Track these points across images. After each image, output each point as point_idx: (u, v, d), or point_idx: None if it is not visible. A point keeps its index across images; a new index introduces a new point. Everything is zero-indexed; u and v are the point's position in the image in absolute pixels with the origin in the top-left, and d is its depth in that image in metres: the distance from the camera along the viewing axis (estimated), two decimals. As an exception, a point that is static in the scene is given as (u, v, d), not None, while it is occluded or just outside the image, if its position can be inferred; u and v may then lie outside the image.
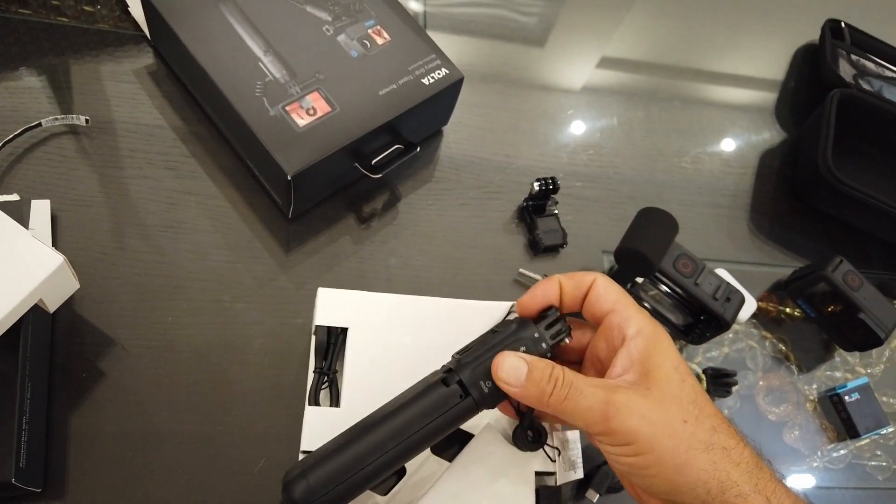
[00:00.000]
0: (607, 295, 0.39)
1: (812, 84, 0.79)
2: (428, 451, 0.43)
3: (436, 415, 0.37)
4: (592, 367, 0.41)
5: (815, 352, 0.64)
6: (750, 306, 0.56)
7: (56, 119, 0.52)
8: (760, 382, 0.60)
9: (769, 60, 0.80)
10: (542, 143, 0.65)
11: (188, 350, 0.48)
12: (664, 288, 0.56)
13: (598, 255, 0.61)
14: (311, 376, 0.47)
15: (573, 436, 0.46)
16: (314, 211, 0.55)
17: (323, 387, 0.46)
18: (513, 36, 0.71)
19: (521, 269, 0.57)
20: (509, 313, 0.49)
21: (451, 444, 0.43)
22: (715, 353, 0.60)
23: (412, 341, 0.47)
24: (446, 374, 0.39)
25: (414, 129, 0.56)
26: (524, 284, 0.57)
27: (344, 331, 0.47)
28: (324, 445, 0.38)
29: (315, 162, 0.48)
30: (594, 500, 0.48)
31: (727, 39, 0.80)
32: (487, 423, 0.44)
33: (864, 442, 0.60)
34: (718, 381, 0.56)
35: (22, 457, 0.40)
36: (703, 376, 0.57)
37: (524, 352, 0.38)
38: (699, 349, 0.60)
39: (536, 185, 0.58)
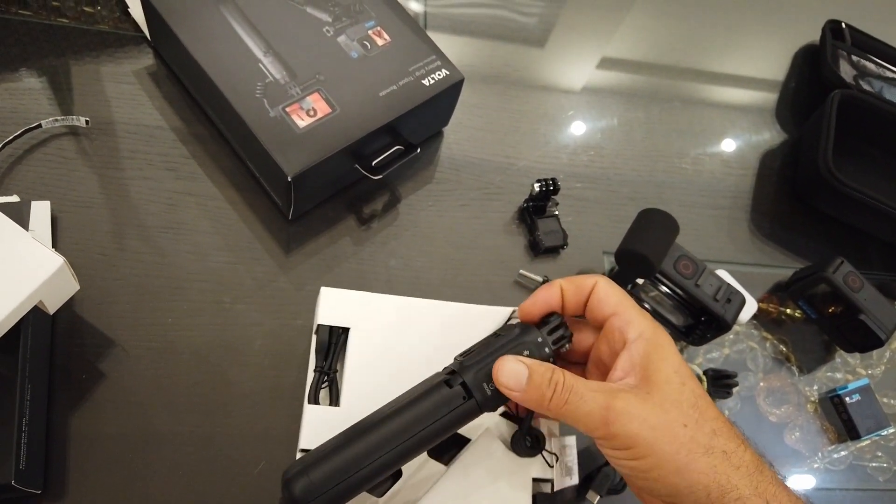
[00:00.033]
0: (608, 298, 0.39)
1: (812, 85, 0.79)
2: (425, 454, 0.43)
3: (438, 416, 0.37)
4: (596, 368, 0.41)
5: (815, 353, 0.64)
6: (750, 307, 0.56)
7: (56, 120, 0.52)
8: (761, 384, 0.60)
9: (770, 61, 0.80)
10: (542, 144, 0.65)
11: (188, 351, 0.48)
12: (665, 289, 0.56)
13: (599, 256, 0.61)
14: (310, 375, 0.47)
15: (570, 442, 0.46)
16: (314, 212, 0.55)
17: (323, 386, 0.46)
18: (513, 37, 0.71)
19: (521, 271, 0.57)
20: (510, 318, 0.49)
21: (449, 447, 0.43)
22: (715, 354, 0.60)
23: (414, 343, 0.47)
24: (449, 376, 0.39)
25: (414, 130, 0.56)
26: (524, 286, 0.57)
27: (346, 331, 0.47)
28: (324, 443, 0.37)
29: (315, 163, 0.48)
30: (594, 502, 0.48)
31: (728, 40, 0.80)
32: (486, 427, 0.44)
33: (864, 443, 0.60)
34: (719, 383, 0.56)
35: (22, 458, 0.40)
36: (704, 377, 0.57)
37: (527, 356, 0.38)
38: (700, 350, 0.60)
39: (537, 186, 0.58)
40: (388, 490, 0.42)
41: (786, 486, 0.35)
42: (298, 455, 0.44)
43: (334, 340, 0.47)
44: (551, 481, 0.44)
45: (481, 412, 0.39)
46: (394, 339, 0.47)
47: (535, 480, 0.43)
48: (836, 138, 0.66)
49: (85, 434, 0.44)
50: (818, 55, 0.77)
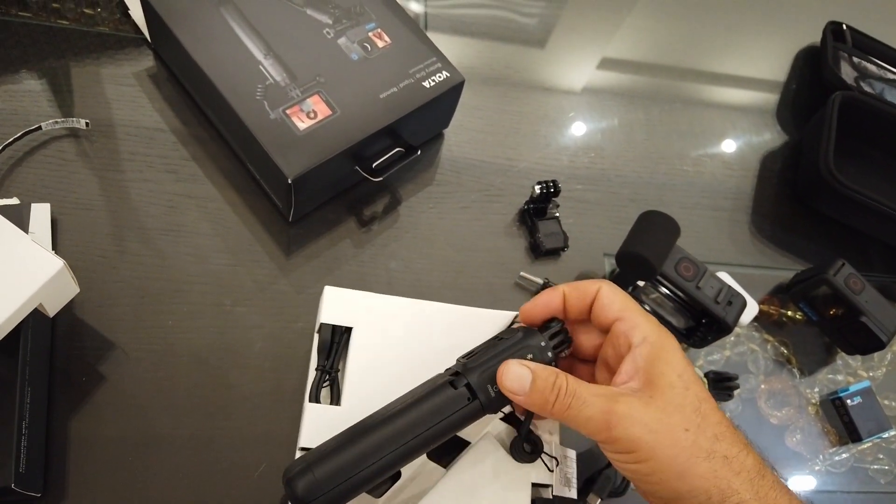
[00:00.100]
0: (612, 303, 0.39)
1: (813, 86, 0.78)
2: (424, 455, 0.43)
3: (443, 416, 0.37)
4: (605, 368, 0.41)
5: (816, 355, 0.64)
6: (752, 310, 0.56)
7: (56, 122, 0.52)
8: (762, 386, 0.60)
9: (770, 62, 0.80)
10: (542, 146, 0.65)
11: (188, 354, 0.48)
12: (666, 291, 0.56)
13: (600, 258, 0.61)
14: (312, 374, 0.47)
15: (571, 454, 0.46)
16: (315, 214, 0.55)
17: (324, 385, 0.46)
18: (514, 38, 0.71)
19: (521, 273, 0.57)
20: (513, 322, 0.49)
21: (449, 450, 0.43)
22: (716, 356, 0.60)
23: (416, 345, 0.47)
24: (454, 377, 0.39)
25: (415, 132, 0.56)
26: (525, 288, 0.57)
27: (348, 330, 0.47)
28: (326, 441, 0.37)
29: (315, 165, 0.48)
30: (595, 505, 0.48)
31: (728, 41, 0.80)
32: (486, 431, 0.44)
33: (866, 445, 0.60)
34: (720, 385, 0.56)
35: (22, 461, 0.40)
36: (705, 380, 0.56)
37: (530, 359, 0.39)
38: (701, 352, 0.60)
39: (537, 188, 0.58)
40: (387, 491, 0.42)
41: (788, 490, 0.35)
42: (298, 453, 0.44)
43: (336, 339, 0.47)
44: (550, 486, 0.44)
45: (485, 413, 0.39)
46: (396, 339, 0.47)
47: (534, 485, 0.43)
48: (836, 140, 0.66)
49: (85, 437, 0.44)
50: (819, 56, 0.77)
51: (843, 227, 0.69)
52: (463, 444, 0.44)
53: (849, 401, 0.60)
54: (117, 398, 0.46)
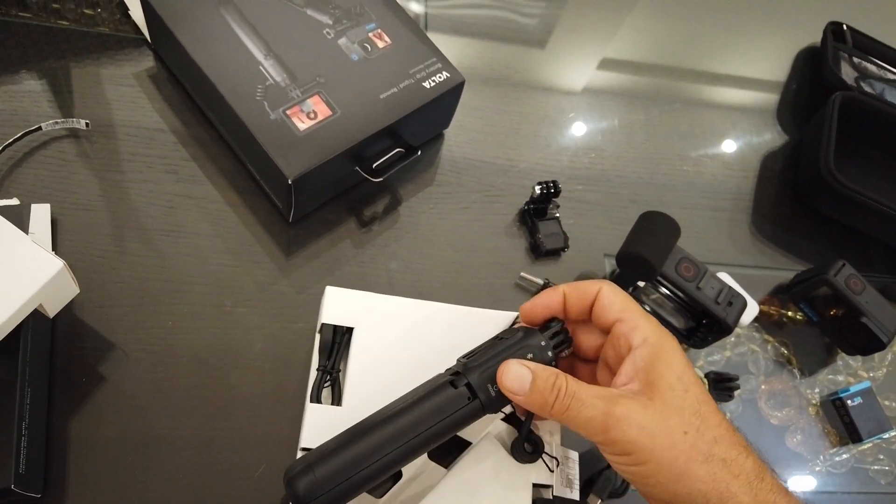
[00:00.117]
0: (612, 304, 0.39)
1: (814, 86, 0.78)
2: (425, 456, 0.43)
3: (443, 415, 0.37)
4: (606, 369, 0.41)
5: (817, 356, 0.63)
6: (752, 310, 0.56)
7: (56, 123, 0.52)
8: (763, 386, 0.60)
9: (771, 63, 0.80)
10: (543, 146, 0.65)
11: (188, 354, 0.48)
12: (666, 291, 0.56)
13: (600, 259, 0.61)
14: (313, 374, 0.47)
15: (573, 456, 0.46)
16: (315, 215, 0.55)
17: (325, 385, 0.46)
18: (514, 38, 0.71)
19: (522, 273, 0.57)
20: (514, 322, 0.49)
21: (450, 450, 0.43)
22: (717, 356, 0.60)
23: (418, 345, 0.47)
24: (454, 377, 0.39)
25: (415, 132, 0.56)
26: (525, 288, 0.57)
27: (349, 330, 0.47)
28: (326, 442, 0.37)
29: (316, 166, 0.48)
30: (595, 506, 0.48)
31: (728, 41, 0.80)
32: (487, 431, 0.44)
33: (866, 446, 0.60)
34: (720, 386, 0.56)
35: (21, 462, 0.39)
36: (706, 380, 0.56)
37: (530, 359, 0.39)
38: (701, 353, 0.60)
39: (538, 189, 0.58)
40: (388, 491, 0.42)
41: (787, 492, 0.35)
42: (299, 454, 0.44)
43: (338, 340, 0.47)
44: (551, 487, 0.44)
45: (485, 413, 0.39)
46: (398, 340, 0.47)
47: (535, 486, 0.43)
48: (837, 140, 0.66)
49: (85, 438, 0.44)
50: (819, 57, 0.77)
51: (844, 228, 0.69)
52: (464, 445, 0.44)
53: (849, 401, 0.60)
54: (117, 399, 0.46)
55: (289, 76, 0.51)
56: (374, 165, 0.52)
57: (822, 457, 0.59)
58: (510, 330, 0.42)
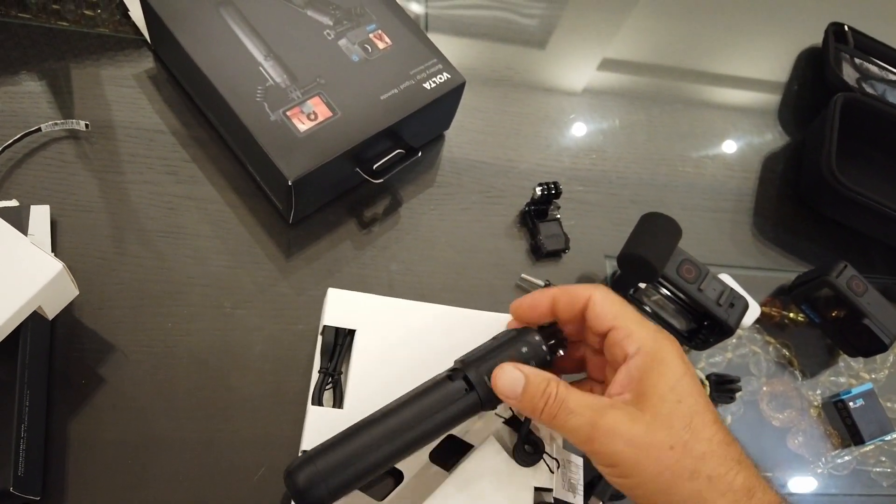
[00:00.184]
0: (605, 312, 0.39)
1: (815, 87, 0.78)
2: (427, 458, 0.43)
3: (441, 407, 0.38)
4: (610, 373, 0.41)
5: (819, 357, 0.63)
6: (753, 312, 0.55)
7: (56, 124, 0.52)
8: (764, 388, 0.60)
9: (772, 63, 0.80)
10: (543, 147, 0.65)
11: (188, 356, 0.48)
12: (667, 293, 0.55)
13: (601, 260, 0.61)
14: (314, 376, 0.46)
15: (578, 461, 0.46)
16: (315, 216, 0.55)
17: (327, 387, 0.46)
18: (514, 39, 0.71)
19: (522, 275, 0.57)
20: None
21: (452, 453, 0.43)
22: (718, 358, 0.60)
23: (420, 348, 0.47)
24: (452, 372, 0.40)
25: (415, 133, 0.56)
26: (526, 290, 0.57)
27: (351, 332, 0.47)
28: (326, 440, 0.38)
29: (316, 167, 0.48)
30: (596, 508, 0.48)
31: (730, 42, 0.79)
32: (489, 435, 0.44)
33: (868, 448, 0.60)
34: (722, 388, 0.56)
35: (20, 465, 0.39)
36: (707, 382, 0.56)
37: (525, 353, 0.39)
38: (702, 355, 0.59)
39: (538, 190, 0.57)
40: (389, 493, 0.42)
41: None
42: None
43: (340, 342, 0.47)
44: (552, 491, 0.44)
45: (483, 407, 0.39)
46: (400, 342, 0.47)
47: (536, 490, 0.43)
48: (839, 141, 0.66)
49: (84, 440, 0.44)
50: (821, 58, 0.77)
51: (845, 229, 0.69)
52: (466, 448, 0.44)
53: (851, 403, 0.60)
54: (117, 400, 0.45)
55: (289, 77, 0.51)
56: (374, 167, 0.52)
57: (823, 459, 0.59)
58: (507, 331, 0.42)
